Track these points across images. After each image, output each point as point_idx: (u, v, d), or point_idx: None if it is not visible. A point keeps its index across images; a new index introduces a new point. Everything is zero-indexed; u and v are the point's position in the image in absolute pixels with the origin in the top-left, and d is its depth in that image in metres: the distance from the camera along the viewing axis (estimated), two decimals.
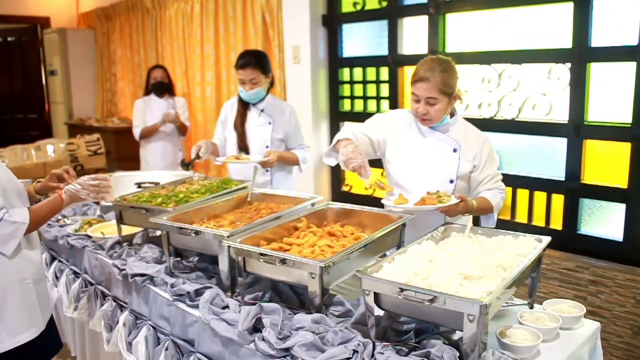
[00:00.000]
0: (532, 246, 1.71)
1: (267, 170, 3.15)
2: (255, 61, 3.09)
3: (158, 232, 2.44)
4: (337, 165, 2.19)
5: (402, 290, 1.41)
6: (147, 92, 4.77)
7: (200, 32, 5.15)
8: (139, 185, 3.20)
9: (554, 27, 3.11)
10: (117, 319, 2.29)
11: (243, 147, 3.17)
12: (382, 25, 3.98)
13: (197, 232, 1.97)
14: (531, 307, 1.78)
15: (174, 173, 3.54)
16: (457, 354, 1.41)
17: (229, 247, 1.84)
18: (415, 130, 2.31)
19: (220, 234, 1.88)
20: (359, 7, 4.09)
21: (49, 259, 2.99)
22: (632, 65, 2.76)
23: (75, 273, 2.73)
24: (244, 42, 4.72)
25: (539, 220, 3.25)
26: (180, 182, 2.80)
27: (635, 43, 2.74)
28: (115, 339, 2.26)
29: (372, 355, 1.47)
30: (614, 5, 2.87)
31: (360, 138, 2.28)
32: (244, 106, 3.20)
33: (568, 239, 3.08)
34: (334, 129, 4.39)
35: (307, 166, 3.32)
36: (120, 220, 2.46)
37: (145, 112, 4.71)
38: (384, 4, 3.91)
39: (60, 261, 2.89)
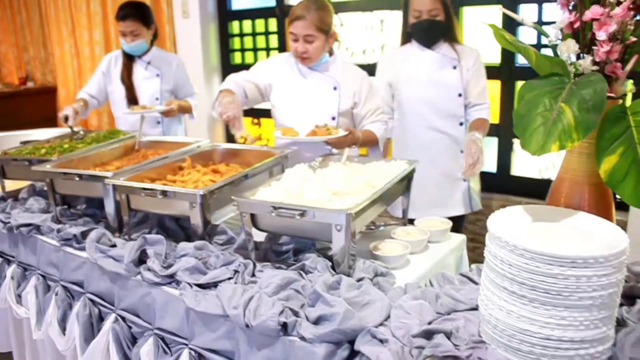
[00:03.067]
0: (402, 168, 1.85)
1: (158, 122, 3.15)
2: (135, 12, 3.06)
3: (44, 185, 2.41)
4: None
5: (275, 208, 1.51)
6: None
7: None
8: (24, 143, 3.10)
9: None
10: (5, 273, 2.25)
11: (132, 99, 3.15)
12: None
13: (80, 176, 1.97)
14: (404, 225, 1.93)
15: (61, 130, 3.44)
16: (330, 263, 1.53)
17: (113, 186, 1.86)
18: (296, 72, 2.40)
19: (104, 175, 1.90)
20: None
21: None
22: (497, 8, 2.98)
23: None
24: None
25: None
26: (67, 137, 2.75)
27: None
28: (4, 294, 2.22)
29: (253, 274, 1.56)
30: None
31: (246, 86, 2.35)
32: (128, 59, 3.17)
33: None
34: None
35: (200, 120, 3.35)
36: (3, 175, 2.39)
37: None
38: None
39: None
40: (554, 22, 1.29)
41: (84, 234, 1.92)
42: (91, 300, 1.85)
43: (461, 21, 3.13)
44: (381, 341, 1.23)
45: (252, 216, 1.59)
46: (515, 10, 3.17)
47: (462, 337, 1.21)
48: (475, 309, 1.31)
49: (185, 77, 3.27)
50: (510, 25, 2.89)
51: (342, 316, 1.25)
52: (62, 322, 1.96)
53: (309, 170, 1.79)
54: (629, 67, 1.21)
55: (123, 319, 1.74)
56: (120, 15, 3.03)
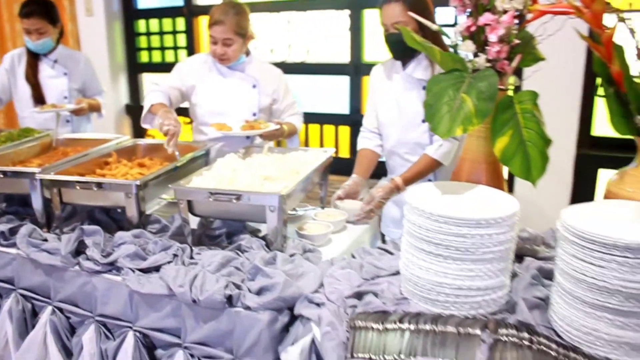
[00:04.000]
0: (320, 157, 2.03)
1: (67, 121, 3.13)
2: (40, 10, 3.02)
3: None
4: (138, 114, 2.32)
5: (212, 193, 1.64)
6: None
7: None
8: None
9: None
10: None
11: (39, 99, 3.11)
12: None
13: (4, 173, 1.98)
14: (323, 209, 2.12)
15: None
16: (263, 242, 1.68)
17: (41, 182, 1.90)
18: (215, 72, 2.52)
19: (32, 171, 1.92)
20: None
21: None
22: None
23: None
24: None
25: None
26: None
27: None
28: None
29: (192, 257, 1.68)
30: None
31: (171, 93, 2.45)
32: (33, 57, 3.12)
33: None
34: (132, 81, 4.41)
35: (107, 119, 3.37)
36: None
37: None
38: None
39: None
40: None
41: (12, 231, 1.93)
42: (23, 295, 1.87)
43: (363, 23, 3.38)
44: (318, 305, 1.40)
45: (189, 203, 1.70)
46: (359, 16, 3.44)
47: (387, 297, 1.41)
48: (395, 274, 1.51)
49: (93, 76, 3.27)
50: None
51: (282, 285, 1.41)
52: None
53: (239, 160, 1.93)
54: (514, 64, 1.45)
55: (60, 310, 1.79)
56: (25, 13, 2.98)
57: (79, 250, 1.76)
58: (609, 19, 1.35)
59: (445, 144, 2.12)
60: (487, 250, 1.27)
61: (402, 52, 2.18)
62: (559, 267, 1.24)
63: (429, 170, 2.17)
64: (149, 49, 4.32)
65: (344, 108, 3.55)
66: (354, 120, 3.50)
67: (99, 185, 1.79)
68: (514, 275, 1.46)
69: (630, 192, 1.38)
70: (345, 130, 3.61)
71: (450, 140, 2.11)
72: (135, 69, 4.39)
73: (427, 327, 1.27)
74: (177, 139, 2.12)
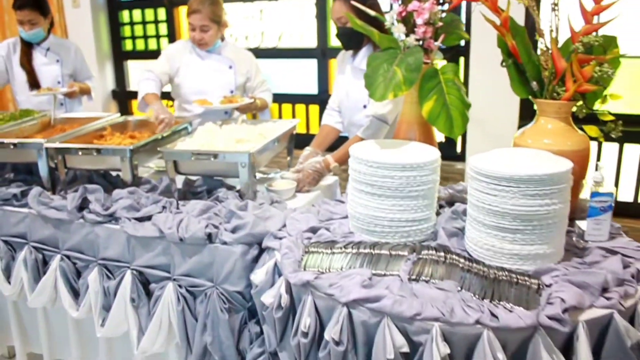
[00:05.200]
0: (285, 125, 2.37)
1: (61, 104, 3.43)
2: (32, 2, 3.30)
3: None
4: (123, 99, 2.67)
5: (194, 154, 1.97)
6: None
7: None
8: None
9: None
10: None
11: (34, 84, 3.40)
12: None
13: (15, 145, 2.29)
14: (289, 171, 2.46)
15: None
16: (238, 194, 2.02)
17: (47, 151, 2.21)
18: (195, 55, 2.85)
19: (39, 142, 2.24)
20: None
21: None
22: None
23: None
24: None
25: (301, 128, 4.03)
26: None
27: None
28: None
29: (178, 207, 2.01)
30: None
31: (162, 78, 2.78)
32: (27, 46, 3.41)
33: None
34: (118, 68, 4.71)
35: (95, 101, 3.67)
36: None
37: None
38: None
39: None
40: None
41: (23, 193, 2.24)
42: (35, 247, 2.18)
43: (329, 10, 3.72)
44: (280, 238, 1.74)
45: (175, 163, 2.03)
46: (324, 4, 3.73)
47: (337, 232, 1.76)
48: (345, 217, 1.85)
49: (83, 62, 3.57)
50: None
51: (251, 224, 1.75)
52: (6, 272, 2.27)
53: (216, 127, 2.27)
54: (438, 42, 1.80)
55: (68, 257, 2.10)
56: (18, 5, 3.26)
57: (82, 206, 2.07)
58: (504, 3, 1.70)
59: (372, 126, 2.38)
60: (413, 189, 1.63)
61: (349, 43, 2.48)
62: (469, 201, 1.59)
63: None
64: (133, 37, 4.62)
65: (313, 89, 3.90)
66: (322, 99, 3.85)
67: (98, 151, 2.11)
68: (440, 213, 1.82)
69: (529, 143, 1.73)
70: (315, 109, 3.96)
71: (378, 122, 2.38)
72: (120, 56, 4.69)
73: (366, 250, 1.61)
74: (169, 128, 2.46)
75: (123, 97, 4.79)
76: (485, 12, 1.77)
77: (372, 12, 1.91)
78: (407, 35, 1.80)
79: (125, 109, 4.78)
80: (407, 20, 1.82)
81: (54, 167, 2.26)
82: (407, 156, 1.67)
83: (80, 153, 2.14)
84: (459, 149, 3.74)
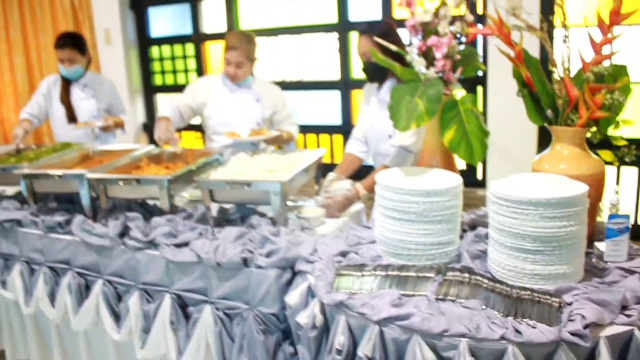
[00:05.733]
0: (313, 155, 2.49)
1: (97, 137, 3.60)
2: (72, 42, 3.51)
3: (10, 192, 2.82)
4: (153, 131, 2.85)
5: (228, 183, 2.09)
6: None
7: (3, 17, 5.22)
8: None
9: (324, 6, 4.01)
10: None
11: (72, 118, 3.58)
12: (184, 8, 4.58)
13: (59, 176, 2.44)
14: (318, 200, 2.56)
15: (8, 147, 3.77)
16: (270, 221, 2.13)
17: (89, 181, 2.35)
18: (225, 89, 3.00)
19: (82, 173, 2.38)
20: None
21: None
22: None
23: None
24: (53, 26, 4.97)
25: (325, 158, 4.14)
26: (13, 152, 3.12)
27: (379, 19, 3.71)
28: None
29: (213, 234, 2.12)
30: None
31: (181, 108, 2.96)
32: (66, 82, 3.60)
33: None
34: (148, 102, 4.91)
35: (127, 135, 3.85)
36: None
37: None
38: None
39: None
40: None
41: (67, 221, 2.38)
42: (78, 272, 2.31)
43: (349, 44, 3.87)
44: (312, 262, 1.84)
45: (210, 191, 2.16)
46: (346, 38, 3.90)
47: (365, 256, 1.85)
48: (373, 242, 1.95)
49: (117, 97, 3.76)
50: None
51: (285, 249, 1.86)
52: (51, 296, 2.40)
53: (248, 157, 2.40)
54: (457, 74, 1.91)
55: (110, 282, 2.23)
56: (59, 44, 3.47)
57: (123, 233, 2.20)
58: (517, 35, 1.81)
59: (398, 156, 2.46)
60: (437, 214, 1.72)
61: (374, 76, 2.63)
62: (491, 224, 1.68)
63: None
64: (162, 72, 4.84)
65: (336, 119, 4.04)
66: (345, 129, 3.98)
67: (138, 181, 2.24)
68: (464, 237, 1.91)
69: (546, 168, 1.82)
70: (338, 139, 4.09)
71: (403, 152, 2.46)
72: (150, 90, 4.90)
73: (394, 272, 1.70)
74: (174, 141, 2.71)
75: (153, 129, 4.94)
76: (501, 45, 1.88)
77: (394, 48, 2.03)
78: (427, 68, 1.92)
79: (154, 141, 4.96)
80: (427, 54, 1.93)
81: (94, 197, 2.40)
82: (431, 183, 1.77)
83: (121, 183, 2.27)
84: (479, 176, 3.83)
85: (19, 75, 5.27)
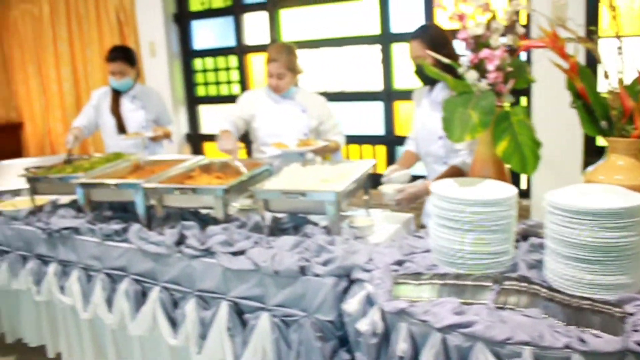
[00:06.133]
0: (364, 165, 2.53)
1: (145, 147, 3.70)
2: (123, 55, 3.64)
3: (65, 200, 2.93)
4: (196, 141, 2.92)
5: (284, 192, 2.15)
6: None
7: (52, 31, 5.41)
8: (26, 170, 3.55)
9: (366, 18, 4.07)
10: (46, 270, 2.72)
11: (121, 128, 3.70)
12: (227, 21, 4.68)
13: (116, 185, 2.52)
14: (367, 210, 2.61)
15: (61, 157, 3.89)
16: (324, 230, 2.17)
17: (144, 190, 2.43)
18: (270, 101, 3.07)
19: (138, 182, 2.46)
20: (206, 6, 4.76)
21: None
22: None
23: None
24: (99, 40, 5.13)
25: None
26: (66, 162, 3.23)
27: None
28: (47, 287, 2.70)
29: (268, 243, 2.18)
30: (406, 1, 3.86)
31: (237, 122, 3.04)
32: (116, 94, 3.72)
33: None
34: (191, 113, 5.02)
35: (172, 144, 3.95)
36: (34, 192, 2.89)
37: None
38: (229, 2, 4.63)
39: None
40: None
41: (124, 229, 2.46)
42: (134, 279, 2.39)
43: (392, 55, 3.92)
44: (368, 271, 1.88)
45: (265, 201, 2.21)
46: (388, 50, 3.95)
47: (421, 265, 1.88)
48: (427, 251, 1.98)
49: (164, 108, 3.87)
50: None
51: (341, 257, 1.90)
52: (107, 302, 2.48)
53: (301, 167, 2.45)
54: (509, 86, 1.93)
55: (166, 289, 2.29)
56: (110, 57, 3.60)
57: (179, 241, 2.27)
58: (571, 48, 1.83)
59: (467, 160, 2.54)
60: (493, 223, 1.74)
61: (426, 79, 2.70)
62: (547, 234, 1.69)
63: (453, 177, 2.61)
64: (205, 84, 4.95)
65: (379, 130, 4.08)
66: (388, 140, 4.02)
67: (194, 190, 2.31)
68: (517, 247, 1.93)
69: (601, 179, 1.83)
70: (381, 150, 4.13)
71: (469, 155, 2.55)
72: (193, 101, 5.02)
73: (451, 281, 1.73)
74: (235, 154, 2.74)
75: (196, 140, 5.10)
76: (552, 56, 1.90)
77: (446, 60, 2.07)
78: (479, 80, 1.95)
79: (198, 151, 5.08)
80: (479, 66, 1.96)
81: (148, 206, 2.48)
82: (486, 193, 1.80)
83: (177, 192, 2.34)
84: (524, 186, 3.83)
85: (66, 86, 5.44)
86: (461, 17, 1.96)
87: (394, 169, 2.66)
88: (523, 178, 3.79)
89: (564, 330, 1.41)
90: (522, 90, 3.62)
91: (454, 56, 2.51)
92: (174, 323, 2.29)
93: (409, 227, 2.57)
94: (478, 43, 1.95)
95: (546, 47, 1.86)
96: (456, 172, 2.58)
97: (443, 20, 2.64)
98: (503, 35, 1.93)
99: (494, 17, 1.94)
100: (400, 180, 2.58)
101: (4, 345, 3.30)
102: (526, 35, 2.02)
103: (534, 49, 1.97)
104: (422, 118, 2.78)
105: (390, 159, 4.05)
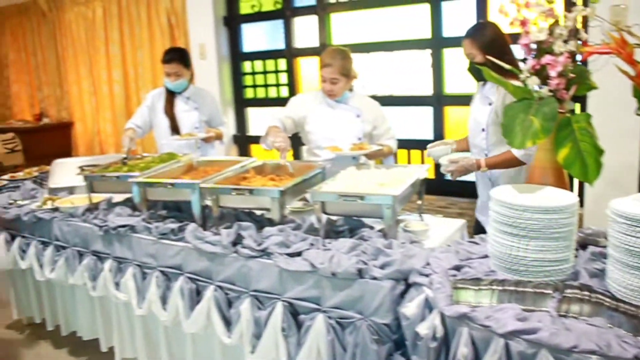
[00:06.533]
0: (419, 170, 2.54)
1: (198, 147, 3.78)
2: (178, 57, 3.73)
3: (119, 199, 3.01)
4: (243, 143, 2.96)
5: (341, 195, 2.17)
6: None
7: (104, 33, 5.58)
8: (81, 168, 3.65)
9: (417, 22, 4.07)
10: (102, 267, 2.80)
11: (175, 129, 3.78)
12: (277, 24, 4.74)
13: (172, 185, 2.58)
14: (421, 215, 2.61)
15: (111, 156, 4.01)
16: (380, 234, 2.19)
17: (200, 190, 2.47)
18: (325, 105, 3.10)
19: (194, 182, 2.52)
20: (256, 9, 4.82)
21: (8, 238, 3.36)
22: None
23: (43, 243, 3.16)
24: (150, 42, 5.26)
25: None
26: (120, 161, 3.30)
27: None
28: (102, 283, 2.78)
29: (324, 245, 2.20)
30: (458, 5, 3.84)
31: (285, 121, 3.06)
32: (171, 95, 3.81)
33: (439, 185, 4.04)
34: (239, 114, 5.10)
35: (223, 145, 4.01)
36: (91, 190, 2.97)
37: None
38: (279, 6, 4.67)
39: (23, 237, 3.28)
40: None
41: (180, 229, 2.52)
42: (189, 278, 2.44)
43: (443, 60, 3.91)
44: (426, 275, 1.88)
45: (322, 204, 2.24)
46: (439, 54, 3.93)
47: (479, 270, 1.88)
48: (483, 257, 1.97)
49: (217, 110, 3.94)
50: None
51: (399, 261, 1.91)
52: (162, 299, 2.54)
53: (356, 171, 2.47)
54: (571, 93, 1.92)
55: (221, 288, 2.34)
56: (166, 59, 3.69)
57: (234, 241, 2.31)
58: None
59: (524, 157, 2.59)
60: (554, 230, 1.73)
61: (479, 76, 2.68)
62: (611, 242, 1.67)
63: (508, 163, 2.67)
64: (254, 86, 5.02)
65: (428, 135, 4.07)
66: None
67: (251, 191, 2.35)
68: (577, 255, 1.90)
69: None
70: None
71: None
72: (241, 103, 5.09)
73: (511, 288, 1.72)
74: (285, 153, 2.76)
75: (243, 141, 5.18)
76: (617, 62, 1.87)
77: (507, 66, 2.06)
78: (540, 86, 1.94)
79: (245, 153, 5.15)
80: (540, 72, 1.95)
81: (203, 205, 2.53)
82: (547, 200, 1.78)
83: (234, 193, 2.38)
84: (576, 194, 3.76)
85: (117, 88, 5.59)
86: (523, 23, 1.95)
87: (438, 143, 2.89)
88: (575, 186, 3.73)
89: (632, 341, 1.39)
90: (577, 97, 3.59)
91: (510, 58, 2.52)
92: (227, 322, 2.33)
93: (461, 233, 2.56)
94: (540, 49, 1.94)
95: (613, 54, 1.84)
96: (510, 157, 2.63)
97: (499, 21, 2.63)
98: (566, 41, 1.92)
99: (557, 23, 1.93)
100: (440, 154, 2.85)
101: (58, 338, 3.42)
102: (585, 41, 2.00)
103: (594, 55, 1.94)
104: (473, 111, 2.89)
105: (438, 166, 4.04)
